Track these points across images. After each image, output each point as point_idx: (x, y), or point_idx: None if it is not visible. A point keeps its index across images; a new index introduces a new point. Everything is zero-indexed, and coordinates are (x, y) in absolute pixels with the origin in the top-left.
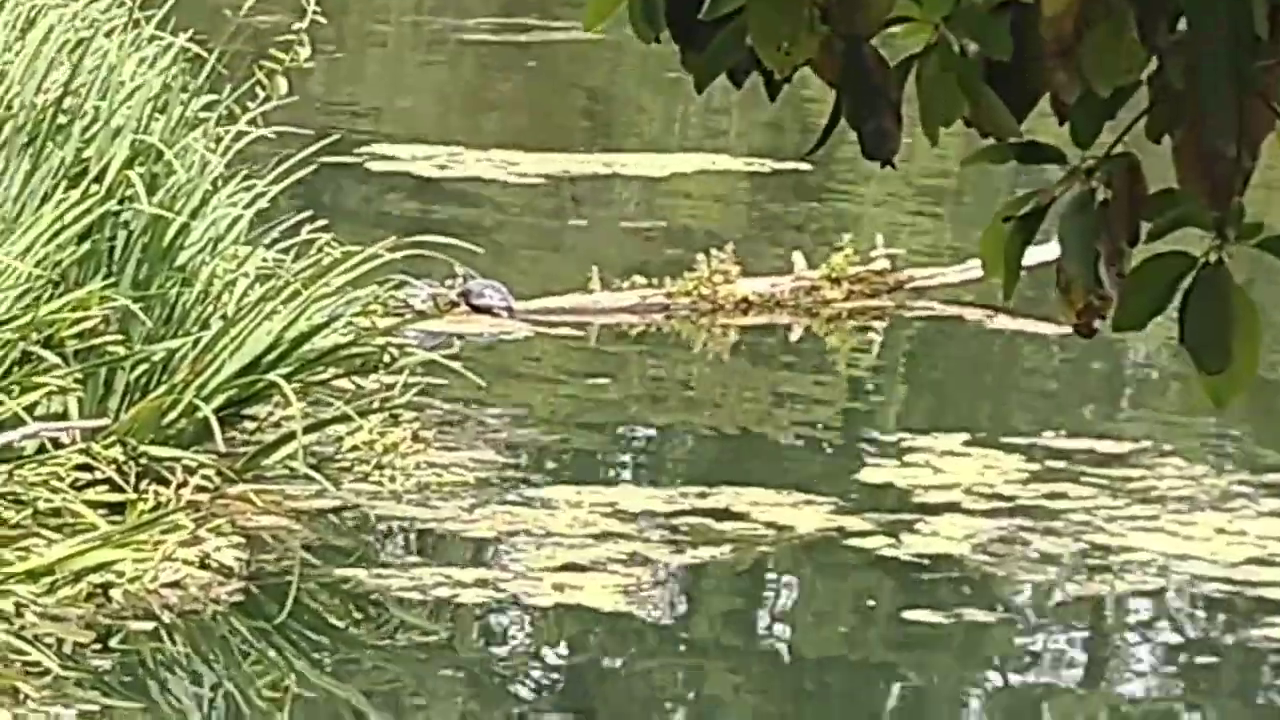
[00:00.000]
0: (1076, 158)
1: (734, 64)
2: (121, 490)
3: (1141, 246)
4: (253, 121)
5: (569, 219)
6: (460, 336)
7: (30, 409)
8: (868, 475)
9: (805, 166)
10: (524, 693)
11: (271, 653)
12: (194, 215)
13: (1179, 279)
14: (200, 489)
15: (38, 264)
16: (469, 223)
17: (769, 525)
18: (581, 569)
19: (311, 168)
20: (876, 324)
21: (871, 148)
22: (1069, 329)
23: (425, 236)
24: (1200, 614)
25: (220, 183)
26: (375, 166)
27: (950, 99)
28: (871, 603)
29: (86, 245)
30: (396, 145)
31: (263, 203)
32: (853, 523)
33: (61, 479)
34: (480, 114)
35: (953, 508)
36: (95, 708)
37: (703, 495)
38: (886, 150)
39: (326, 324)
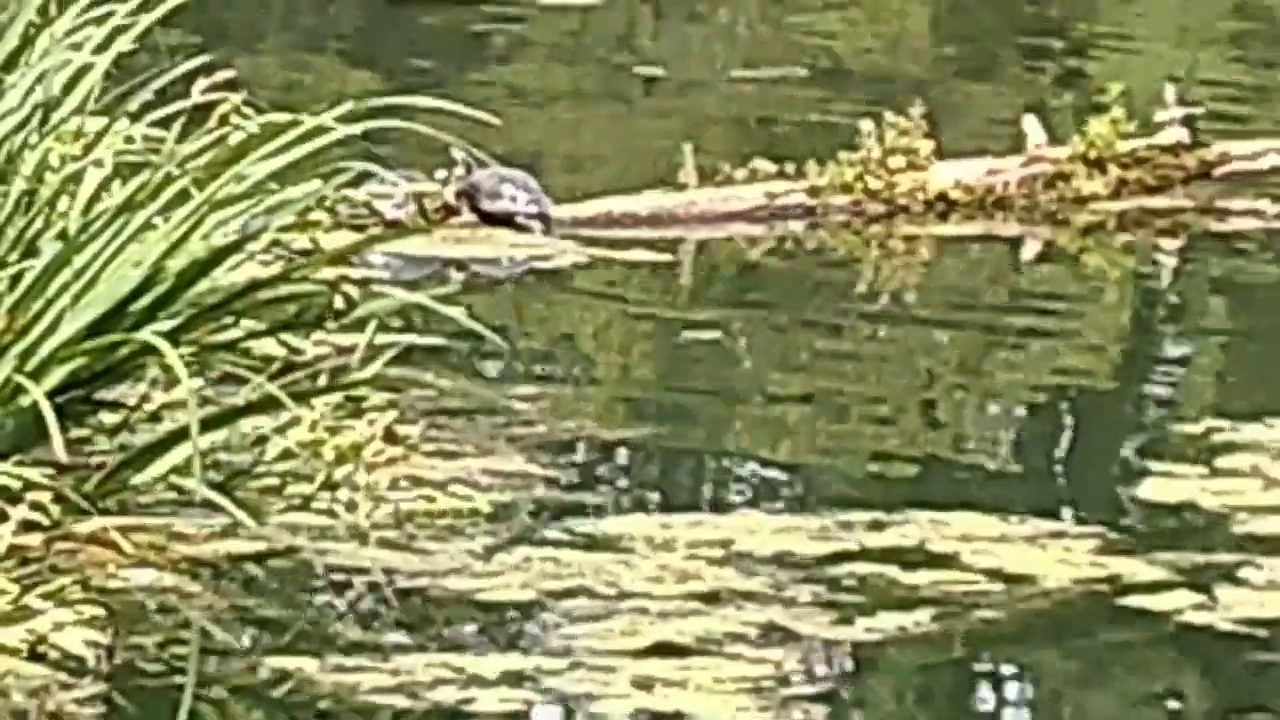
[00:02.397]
0: None
1: None
2: None
3: None
4: None
5: (640, 59)
6: (461, 265)
7: None
8: (1156, 489)
9: None
10: None
11: None
12: (9, 65)
13: None
14: (29, 526)
15: None
16: (477, 68)
17: (992, 574)
18: (680, 652)
19: None
20: (1167, 239)
21: None
22: None
23: (400, 98)
24: None
25: (54, 9)
26: None
27: None
28: (1173, 704)
29: None
30: None
31: (125, 42)
32: (1134, 568)
33: None
34: None
35: None
36: None
37: (877, 525)
38: None
39: (237, 246)
